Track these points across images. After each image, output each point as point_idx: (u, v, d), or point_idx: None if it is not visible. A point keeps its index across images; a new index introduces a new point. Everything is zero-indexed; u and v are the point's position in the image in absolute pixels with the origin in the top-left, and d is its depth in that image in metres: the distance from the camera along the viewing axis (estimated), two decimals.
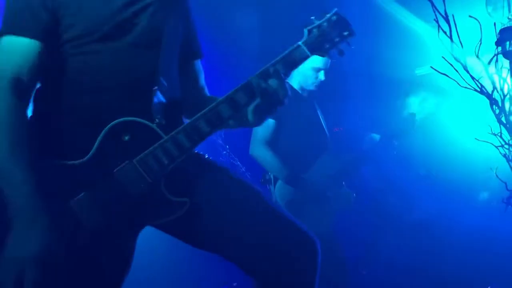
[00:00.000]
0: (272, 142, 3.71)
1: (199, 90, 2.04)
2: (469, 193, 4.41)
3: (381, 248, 4.41)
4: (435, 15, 1.93)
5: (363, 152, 4.05)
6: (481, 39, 1.97)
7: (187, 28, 1.99)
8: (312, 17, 1.80)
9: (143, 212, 1.67)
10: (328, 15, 1.80)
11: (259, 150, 3.73)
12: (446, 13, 1.93)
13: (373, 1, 4.73)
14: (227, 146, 4.69)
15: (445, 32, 1.92)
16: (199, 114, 1.70)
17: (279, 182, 3.74)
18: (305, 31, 1.79)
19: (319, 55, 1.79)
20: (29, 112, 1.79)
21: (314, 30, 1.79)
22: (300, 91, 3.86)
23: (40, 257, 1.51)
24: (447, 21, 1.93)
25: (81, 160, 1.64)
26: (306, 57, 1.77)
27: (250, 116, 1.78)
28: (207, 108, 1.70)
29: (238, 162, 4.81)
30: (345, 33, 1.79)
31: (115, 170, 1.64)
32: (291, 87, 3.76)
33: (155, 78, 1.75)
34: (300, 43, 1.78)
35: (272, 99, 1.72)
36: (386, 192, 4.50)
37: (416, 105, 4.49)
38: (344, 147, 4.24)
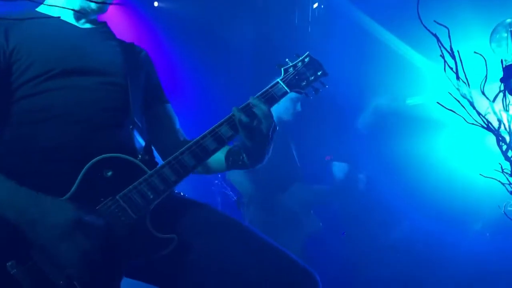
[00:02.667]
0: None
1: (175, 133, 2.04)
2: (462, 219, 4.39)
3: (366, 267, 4.35)
4: (441, 51, 1.92)
5: (333, 186, 4.20)
6: (486, 75, 1.96)
7: (148, 76, 2.02)
8: (286, 59, 1.96)
9: (128, 249, 1.59)
10: (301, 57, 1.98)
11: (235, 175, 3.90)
12: (451, 49, 1.91)
13: (366, 29, 4.77)
14: (219, 175, 4.64)
15: (451, 68, 1.90)
16: (183, 148, 1.69)
17: (252, 207, 3.86)
18: (282, 70, 1.93)
19: (296, 92, 1.93)
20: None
21: (290, 69, 1.94)
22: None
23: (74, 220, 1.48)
24: (453, 57, 1.92)
25: (62, 197, 1.56)
26: (285, 93, 1.89)
27: (246, 159, 1.83)
28: (191, 142, 1.71)
29: (230, 192, 4.76)
30: (319, 73, 1.97)
31: (97, 207, 1.58)
32: None
33: (130, 114, 1.75)
34: (278, 80, 1.89)
35: (255, 133, 1.75)
36: (370, 211, 4.49)
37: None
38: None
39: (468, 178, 3.92)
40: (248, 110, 1.76)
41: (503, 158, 1.95)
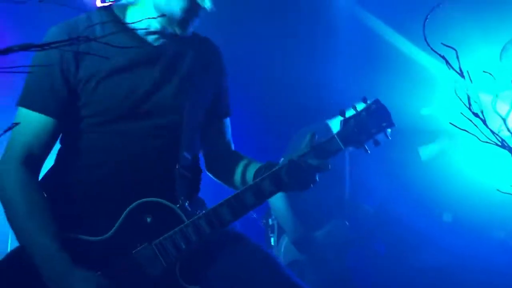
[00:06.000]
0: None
1: (225, 145, 2.05)
2: (485, 231, 4.33)
3: None
4: (456, 71, 1.93)
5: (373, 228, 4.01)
6: (497, 94, 1.96)
7: (218, 86, 1.97)
8: (353, 105, 1.74)
9: None
10: (368, 103, 1.74)
11: (276, 200, 3.54)
12: (461, 70, 1.92)
13: (379, 36, 4.73)
14: None
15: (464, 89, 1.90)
16: (223, 201, 1.70)
17: (287, 239, 3.64)
18: (341, 122, 1.73)
19: (353, 147, 1.72)
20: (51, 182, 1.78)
21: (351, 120, 1.72)
22: None
23: None
24: (463, 77, 1.92)
25: (101, 237, 1.63)
26: (339, 150, 1.71)
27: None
28: (232, 195, 1.70)
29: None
30: (384, 124, 1.71)
31: (133, 251, 1.63)
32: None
33: (178, 156, 1.75)
34: (334, 134, 1.72)
35: (295, 188, 1.71)
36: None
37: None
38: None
39: (488, 187, 3.88)
40: (295, 167, 1.67)
41: None
